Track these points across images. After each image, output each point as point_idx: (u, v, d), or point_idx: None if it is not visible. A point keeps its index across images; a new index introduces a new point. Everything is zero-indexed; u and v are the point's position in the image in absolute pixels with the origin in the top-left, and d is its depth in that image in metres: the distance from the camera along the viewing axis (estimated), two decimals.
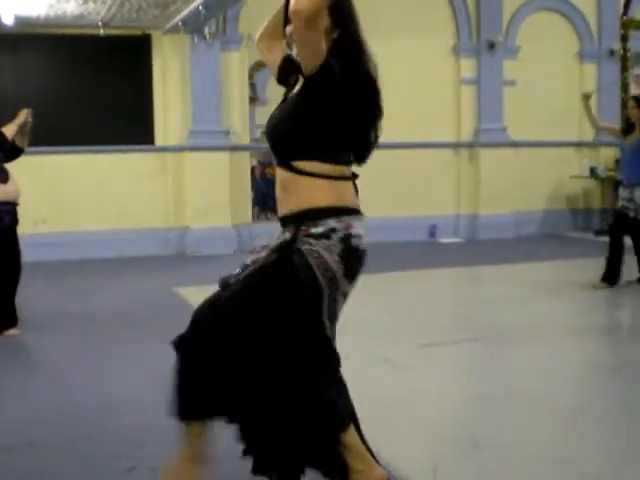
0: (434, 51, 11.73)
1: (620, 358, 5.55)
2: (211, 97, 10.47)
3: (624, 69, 11.90)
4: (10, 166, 6.18)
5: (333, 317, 2.83)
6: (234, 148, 10.70)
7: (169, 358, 2.77)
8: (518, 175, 11.97)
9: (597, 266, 7.85)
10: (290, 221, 2.77)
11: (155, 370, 4.89)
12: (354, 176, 2.85)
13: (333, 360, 2.90)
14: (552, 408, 4.30)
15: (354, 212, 2.79)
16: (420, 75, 11.62)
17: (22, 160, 6.38)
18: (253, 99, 11.51)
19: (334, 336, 2.87)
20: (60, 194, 10.16)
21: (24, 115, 6.13)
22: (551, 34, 12.30)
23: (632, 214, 7.63)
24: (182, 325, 2.87)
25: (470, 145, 12.01)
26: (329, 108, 2.68)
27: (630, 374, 5.01)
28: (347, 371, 5.09)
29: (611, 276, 7.70)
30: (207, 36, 10.26)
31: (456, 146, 12.05)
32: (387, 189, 11.40)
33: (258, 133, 13.34)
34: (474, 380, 4.97)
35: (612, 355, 5.71)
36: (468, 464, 3.53)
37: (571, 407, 4.33)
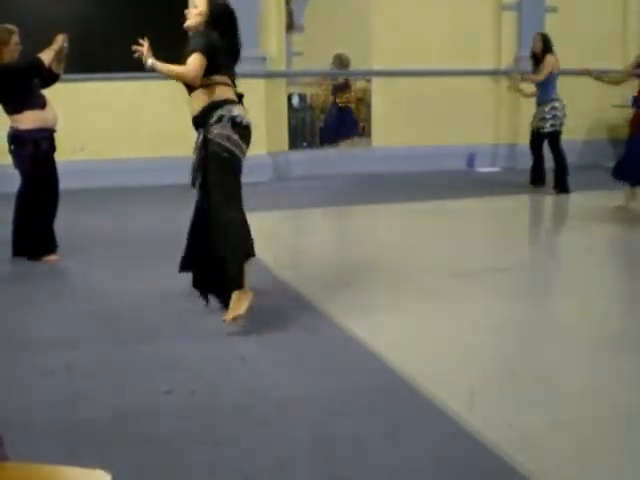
0: None
1: None
2: (248, 23, 10.31)
3: None
4: (47, 93, 6.19)
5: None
6: (270, 75, 10.58)
7: None
8: None
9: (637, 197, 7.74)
10: (198, 120, 4.60)
11: (190, 295, 4.94)
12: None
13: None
14: (587, 338, 4.31)
15: (232, 102, 4.65)
16: (460, 0, 11.37)
17: (59, 87, 6.38)
18: (290, 26, 11.38)
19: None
20: (97, 122, 10.15)
21: (60, 40, 6.09)
22: None
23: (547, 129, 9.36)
24: None
25: (510, 72, 11.77)
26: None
27: None
28: (381, 299, 5.12)
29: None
30: None
31: (496, 73, 11.84)
32: (425, 117, 11.29)
33: (295, 60, 13.18)
34: (510, 309, 4.97)
35: None
36: (503, 391, 3.58)
37: (605, 337, 4.33)
